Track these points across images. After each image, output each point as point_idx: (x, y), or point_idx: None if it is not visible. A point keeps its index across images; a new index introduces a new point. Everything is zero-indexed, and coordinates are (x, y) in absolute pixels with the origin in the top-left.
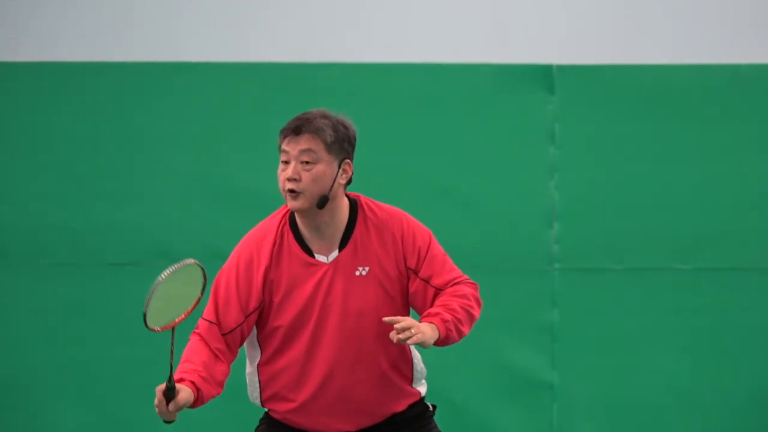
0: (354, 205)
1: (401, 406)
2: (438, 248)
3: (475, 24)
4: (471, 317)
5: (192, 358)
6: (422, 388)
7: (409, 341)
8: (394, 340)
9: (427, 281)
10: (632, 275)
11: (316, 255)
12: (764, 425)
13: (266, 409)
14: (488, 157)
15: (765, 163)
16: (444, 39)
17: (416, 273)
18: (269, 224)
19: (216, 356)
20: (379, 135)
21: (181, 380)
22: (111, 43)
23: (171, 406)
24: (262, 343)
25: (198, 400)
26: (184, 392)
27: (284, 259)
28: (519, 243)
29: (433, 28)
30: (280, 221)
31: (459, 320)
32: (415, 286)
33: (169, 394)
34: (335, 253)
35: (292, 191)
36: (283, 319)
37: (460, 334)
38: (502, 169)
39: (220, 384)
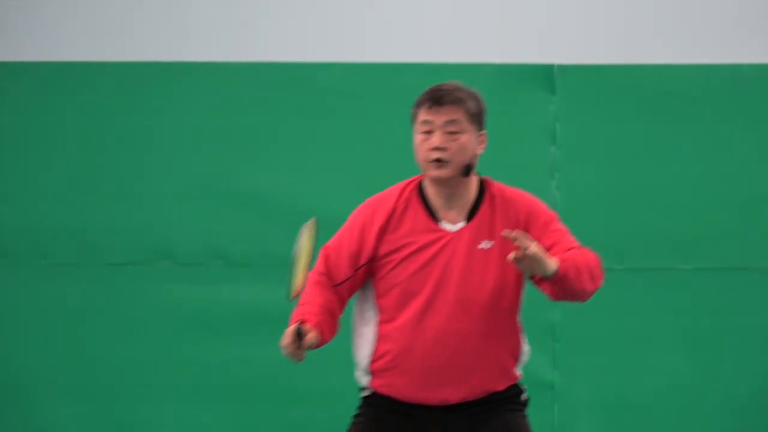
0: (482, 183)
1: (501, 385)
2: (561, 225)
3: (476, 23)
4: (592, 274)
5: (310, 300)
6: (521, 372)
7: (527, 251)
8: (510, 258)
9: (547, 250)
10: (633, 275)
11: (443, 222)
12: (766, 425)
13: (368, 382)
14: (489, 157)
15: (766, 163)
16: (445, 38)
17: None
18: (392, 190)
19: (330, 301)
20: (379, 135)
21: (303, 322)
22: (112, 43)
23: (300, 346)
24: (379, 302)
25: (321, 342)
26: (312, 333)
27: (407, 221)
28: None
29: (433, 28)
30: (405, 188)
31: (578, 267)
32: None
33: (299, 334)
34: (461, 224)
35: (438, 160)
36: (401, 278)
37: (580, 282)
38: (503, 169)
39: (337, 326)
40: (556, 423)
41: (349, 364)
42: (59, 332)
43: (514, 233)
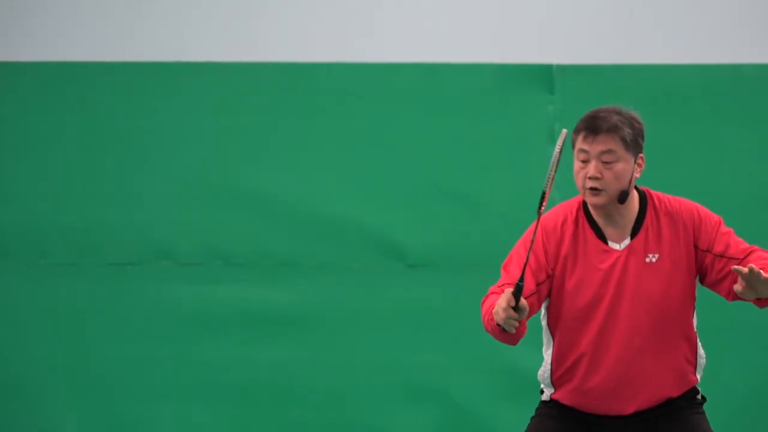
0: (643, 196)
1: (678, 391)
2: (727, 228)
3: (475, 24)
4: None
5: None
6: (700, 376)
7: (762, 276)
8: (737, 288)
9: (722, 255)
10: None
11: (609, 242)
12: (765, 423)
13: (549, 395)
14: (488, 157)
15: (766, 163)
16: (444, 39)
17: (709, 251)
18: (567, 207)
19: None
20: (378, 135)
21: (520, 284)
22: (112, 43)
23: (518, 308)
24: (552, 326)
25: (519, 328)
26: (525, 302)
27: (580, 243)
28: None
29: (433, 28)
30: (575, 208)
31: None
32: (708, 261)
33: (518, 293)
34: (627, 241)
35: (594, 189)
36: (577, 302)
37: None
38: (503, 169)
39: (523, 332)
40: None
41: (350, 364)
42: (59, 332)
43: (739, 268)
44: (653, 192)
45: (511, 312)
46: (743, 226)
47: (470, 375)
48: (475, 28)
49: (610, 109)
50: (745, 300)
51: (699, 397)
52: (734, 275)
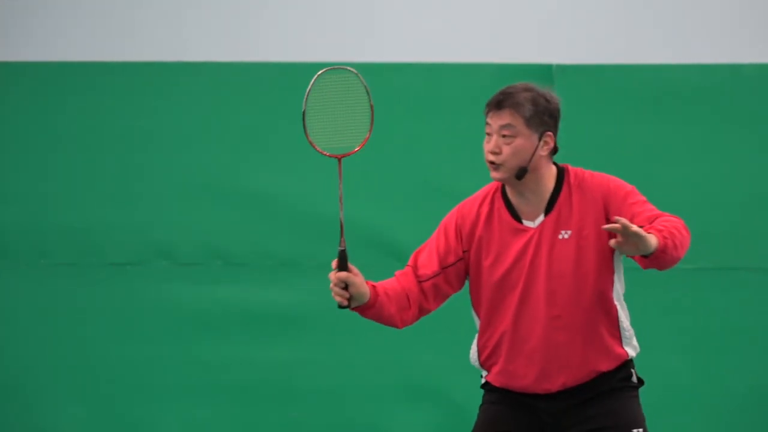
0: (561, 173)
1: (606, 365)
2: (639, 195)
3: (474, 23)
4: (683, 244)
5: (381, 281)
6: (631, 350)
7: (631, 229)
8: (612, 243)
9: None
10: (634, 274)
11: (523, 221)
12: (765, 424)
13: (483, 378)
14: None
15: (766, 163)
16: (444, 38)
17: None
18: (482, 191)
19: (405, 293)
20: (378, 135)
21: (344, 251)
22: (112, 43)
23: (341, 275)
24: (476, 308)
25: (373, 305)
26: (360, 279)
27: (494, 223)
28: None
29: (432, 28)
30: (494, 190)
31: (674, 239)
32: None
33: (341, 263)
34: (541, 218)
35: (492, 163)
36: (493, 282)
37: (676, 251)
38: None
39: (400, 311)
40: None
41: (350, 364)
42: (59, 332)
43: (611, 226)
44: (573, 168)
45: (334, 278)
46: (743, 226)
47: (470, 375)
48: (475, 28)
49: (520, 86)
50: (631, 258)
51: (634, 379)
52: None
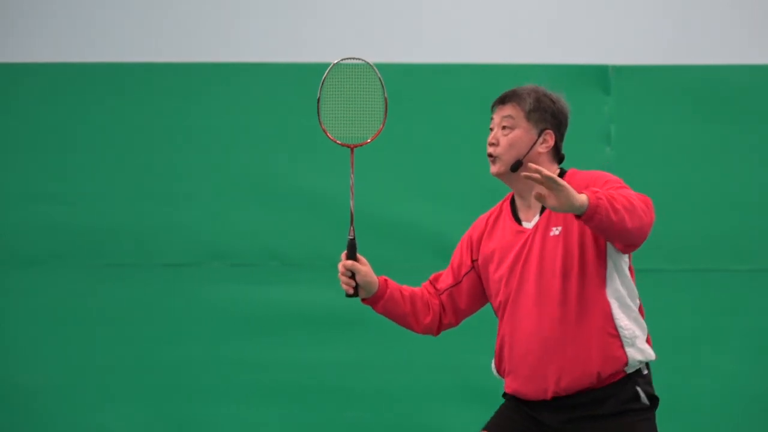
0: (561, 176)
1: (600, 365)
2: (616, 180)
3: (530, 24)
4: (633, 209)
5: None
6: (636, 353)
7: (543, 172)
8: (534, 196)
9: None
10: (688, 276)
11: (523, 223)
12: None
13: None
14: None
15: None
16: (500, 39)
17: None
18: (501, 202)
19: (424, 299)
20: (432, 136)
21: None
22: (170, 43)
23: (347, 263)
24: (496, 312)
25: (382, 298)
26: (367, 268)
27: (498, 229)
28: None
29: (488, 29)
30: (505, 199)
31: (614, 201)
32: None
33: (350, 252)
34: (536, 218)
35: (490, 155)
36: (499, 286)
37: (617, 214)
38: None
39: (416, 314)
40: None
41: (405, 365)
42: (113, 333)
43: (529, 174)
44: (572, 170)
45: (341, 266)
46: None
47: None
48: (531, 28)
49: (528, 85)
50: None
51: (644, 399)
52: None
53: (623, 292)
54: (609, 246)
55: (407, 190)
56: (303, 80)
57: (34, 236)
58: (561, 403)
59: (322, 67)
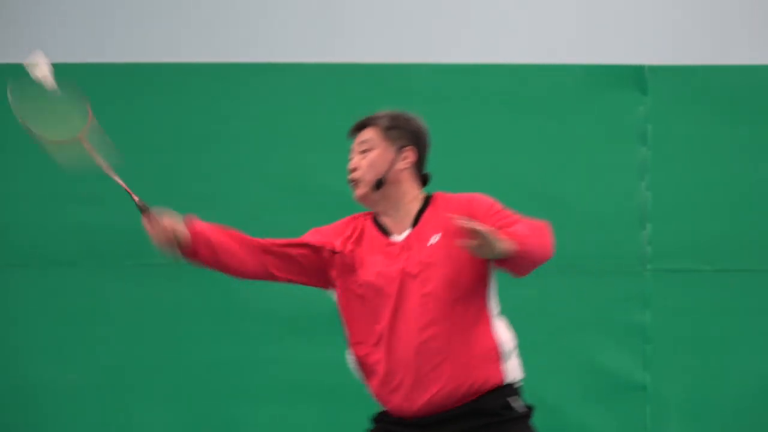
0: (428, 198)
1: (485, 378)
2: (503, 207)
3: (566, 24)
4: (537, 236)
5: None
6: (512, 371)
7: (476, 229)
8: (462, 244)
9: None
10: (724, 276)
11: (393, 236)
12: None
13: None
14: (580, 159)
15: None
16: (534, 39)
17: None
18: (349, 222)
19: (239, 237)
20: (468, 137)
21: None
22: (216, 44)
23: (146, 218)
24: (349, 325)
25: (195, 235)
26: (167, 220)
27: (365, 241)
28: (611, 244)
29: (523, 29)
30: (359, 218)
31: (524, 235)
32: None
33: (142, 210)
34: (407, 231)
35: (352, 180)
36: (363, 295)
37: (533, 256)
38: (594, 171)
39: (229, 242)
40: (648, 424)
41: None
42: (151, 332)
43: (459, 218)
44: (440, 193)
45: (146, 225)
46: None
47: (561, 376)
48: (566, 28)
49: (380, 111)
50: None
51: (517, 407)
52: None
53: (496, 306)
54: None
55: (442, 190)
56: (342, 81)
57: (66, 237)
58: (438, 418)
59: (355, 67)
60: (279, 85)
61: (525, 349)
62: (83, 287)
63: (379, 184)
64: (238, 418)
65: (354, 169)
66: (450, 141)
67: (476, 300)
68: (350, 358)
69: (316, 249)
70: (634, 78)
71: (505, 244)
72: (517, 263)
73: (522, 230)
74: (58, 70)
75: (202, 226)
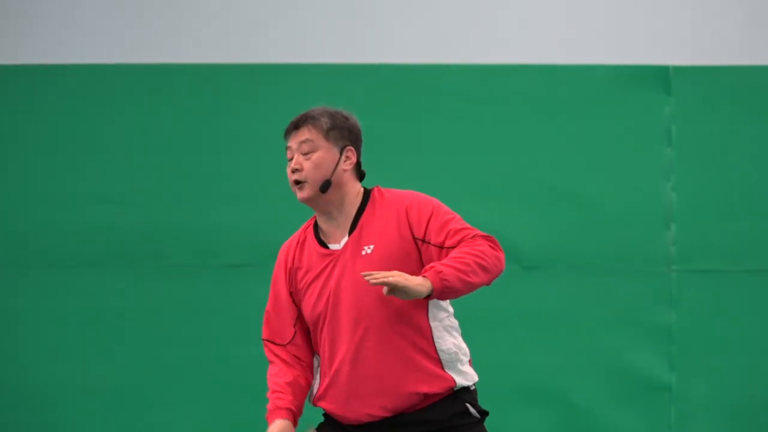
0: (367, 193)
1: (428, 387)
2: (446, 212)
3: (590, 25)
4: (481, 266)
5: (277, 383)
6: (459, 376)
7: (386, 281)
8: (385, 293)
9: (440, 246)
10: (750, 277)
11: (330, 245)
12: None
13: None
14: (605, 159)
15: None
16: (560, 40)
17: (427, 241)
18: (299, 230)
19: (292, 366)
20: (493, 137)
21: (276, 409)
22: (245, 44)
23: None
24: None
25: (295, 421)
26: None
27: (305, 255)
28: (636, 245)
29: (548, 29)
30: (307, 224)
31: (461, 270)
32: (427, 253)
33: None
34: (345, 239)
35: (297, 182)
36: (308, 311)
37: (467, 283)
38: (619, 171)
39: (307, 387)
40: (673, 425)
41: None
42: (176, 333)
43: (367, 275)
44: (382, 189)
45: None
46: None
47: (587, 376)
48: (591, 28)
49: (316, 108)
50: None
51: (473, 412)
52: None
53: (444, 314)
54: None
55: (469, 191)
56: (368, 82)
57: (94, 237)
58: (383, 423)
59: (380, 67)
60: (303, 86)
61: (549, 350)
62: (109, 287)
63: (325, 187)
64: (259, 418)
65: (297, 170)
66: (475, 141)
67: (411, 309)
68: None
69: (298, 321)
70: (659, 78)
71: (423, 287)
72: (444, 297)
73: (456, 264)
74: (81, 71)
75: (294, 410)
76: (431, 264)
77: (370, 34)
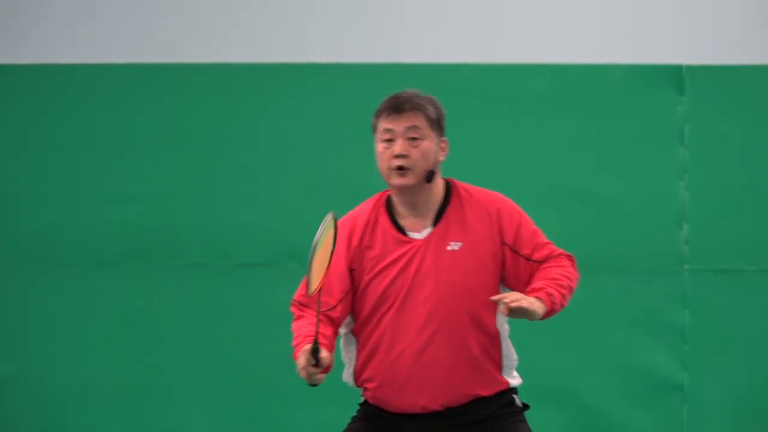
0: (448, 186)
1: (486, 390)
2: (530, 222)
3: (604, 24)
4: (571, 290)
5: (303, 325)
6: (512, 380)
7: (513, 304)
8: (501, 311)
9: (528, 258)
10: (763, 276)
11: (409, 233)
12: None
13: (361, 393)
14: (618, 158)
15: None
16: (573, 39)
17: (514, 249)
18: (363, 206)
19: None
20: (507, 136)
21: (318, 342)
22: (258, 44)
23: (318, 364)
24: (356, 325)
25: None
26: (326, 352)
27: (378, 237)
28: (649, 244)
29: (562, 29)
30: (375, 204)
31: (564, 295)
32: (512, 261)
33: (316, 355)
34: (429, 230)
35: (401, 168)
36: (375, 293)
37: (562, 307)
38: (632, 170)
39: (331, 344)
40: (685, 424)
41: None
42: (190, 332)
43: (503, 296)
44: (459, 182)
45: (312, 369)
46: None
47: (599, 375)
48: (605, 28)
49: (410, 91)
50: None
51: (518, 403)
52: (528, 275)
53: (503, 320)
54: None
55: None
56: (388, 81)
57: (109, 237)
58: (439, 415)
59: (394, 67)
60: (323, 85)
61: (561, 349)
62: (124, 287)
63: (430, 177)
64: (277, 418)
65: (403, 156)
66: (490, 140)
67: (486, 312)
68: (350, 362)
69: (349, 289)
70: (672, 78)
71: (541, 311)
72: (545, 318)
73: (560, 290)
74: (94, 71)
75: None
76: (539, 286)
77: (384, 34)
